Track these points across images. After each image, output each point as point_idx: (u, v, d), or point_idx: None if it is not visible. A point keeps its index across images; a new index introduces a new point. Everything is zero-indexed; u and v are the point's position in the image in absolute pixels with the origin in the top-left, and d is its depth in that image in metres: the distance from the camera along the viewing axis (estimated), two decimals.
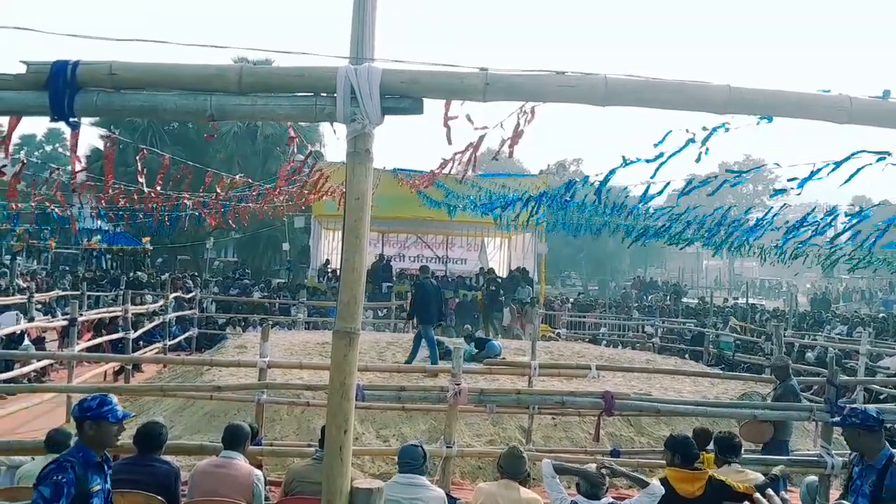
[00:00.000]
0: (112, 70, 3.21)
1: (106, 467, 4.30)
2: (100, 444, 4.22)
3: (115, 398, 4.28)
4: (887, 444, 4.97)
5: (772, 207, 10.83)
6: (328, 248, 28.32)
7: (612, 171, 7.92)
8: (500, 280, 25.39)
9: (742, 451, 6.22)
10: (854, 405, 5.42)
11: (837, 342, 20.44)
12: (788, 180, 6.68)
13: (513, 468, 5.42)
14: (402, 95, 3.24)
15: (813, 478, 7.43)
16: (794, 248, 12.88)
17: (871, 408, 5.16)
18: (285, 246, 34.84)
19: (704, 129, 5.90)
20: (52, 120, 3.26)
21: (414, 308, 13.47)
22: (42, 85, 3.19)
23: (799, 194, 6.65)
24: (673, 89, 3.26)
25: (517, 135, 4.26)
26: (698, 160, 6.07)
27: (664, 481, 5.27)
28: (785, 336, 15.46)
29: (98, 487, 4.13)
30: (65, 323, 13.80)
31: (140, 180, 9.33)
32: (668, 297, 37.49)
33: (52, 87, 3.17)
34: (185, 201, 14.86)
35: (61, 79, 3.17)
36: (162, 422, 5.75)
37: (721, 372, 15.20)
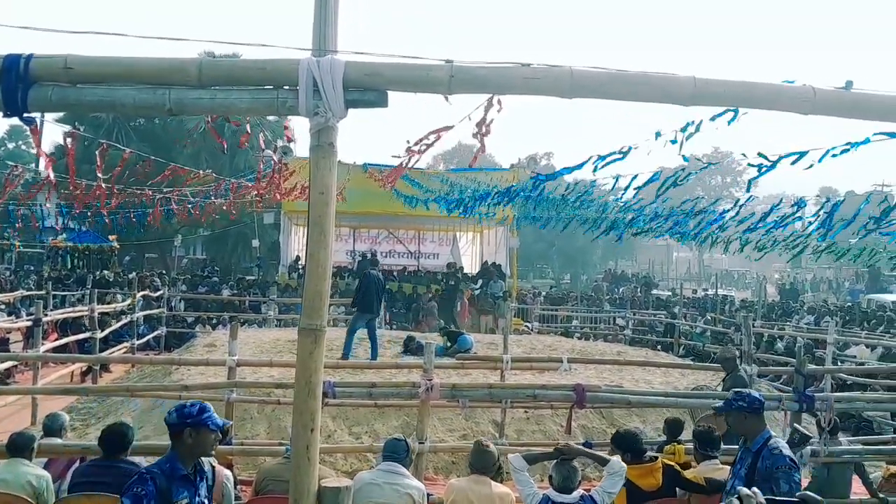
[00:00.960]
0: (67, 63, 3.13)
1: (198, 479, 4.16)
2: (196, 454, 4.10)
3: (210, 405, 4.15)
4: (767, 426, 4.97)
5: (738, 199, 10.90)
6: (299, 244, 28.11)
7: (576, 167, 7.89)
8: (459, 275, 25.21)
9: (721, 445, 6.23)
10: (740, 390, 5.34)
11: (805, 332, 20.74)
12: (755, 167, 6.67)
13: (480, 462, 5.43)
14: (366, 88, 3.19)
15: None
16: (759, 240, 12.99)
17: (754, 392, 5.12)
18: (255, 242, 34.58)
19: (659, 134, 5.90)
20: (5, 115, 3.16)
21: (358, 297, 13.65)
22: None
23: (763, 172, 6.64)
24: (638, 81, 3.25)
25: (485, 125, 4.22)
26: (683, 155, 6.09)
27: (628, 482, 5.27)
28: (754, 326, 15.64)
29: (185, 501, 4.00)
30: (29, 323, 13.56)
31: (99, 175, 9.17)
32: (639, 290, 37.84)
33: (5, 81, 3.07)
34: (148, 198, 14.64)
35: (14, 73, 3.07)
36: (129, 423, 5.67)
37: (691, 363, 15.35)
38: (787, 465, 4.62)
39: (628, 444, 5.56)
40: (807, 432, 5.90)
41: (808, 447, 7.66)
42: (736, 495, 3.91)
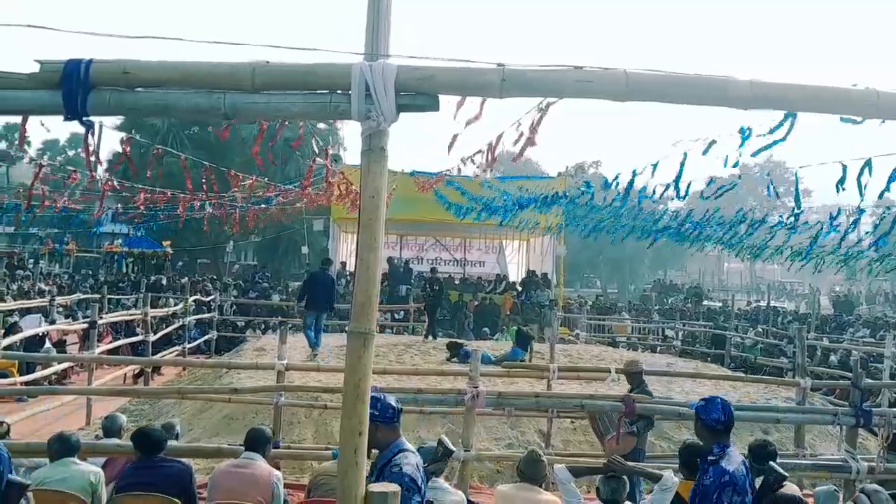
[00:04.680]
0: (125, 69, 3.18)
1: None
2: None
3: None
4: (403, 438, 4.22)
5: (793, 209, 10.65)
6: (346, 250, 28.35)
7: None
8: (442, 280, 24.16)
9: (777, 459, 5.97)
10: (375, 395, 4.18)
11: (861, 345, 20.14)
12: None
13: (532, 472, 5.37)
14: (418, 92, 3.19)
15: (826, 487, 7.30)
16: (814, 251, 12.68)
17: (391, 397, 4.30)
18: (304, 249, 34.91)
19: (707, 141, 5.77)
20: (66, 119, 3.23)
21: (304, 295, 14.24)
22: (55, 84, 3.16)
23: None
24: (695, 84, 3.18)
25: (532, 133, 4.18)
26: (733, 164, 5.96)
27: (677, 497, 5.09)
28: (807, 339, 15.28)
29: None
30: (85, 326, 13.89)
31: (149, 176, 9.34)
32: (689, 300, 37.21)
33: (66, 86, 3.14)
34: (203, 201, 14.92)
35: (74, 78, 3.14)
36: (176, 424, 5.78)
37: (743, 375, 15.03)
38: (406, 485, 3.83)
39: (688, 457, 5.32)
40: (451, 447, 5.15)
41: (863, 464, 7.43)
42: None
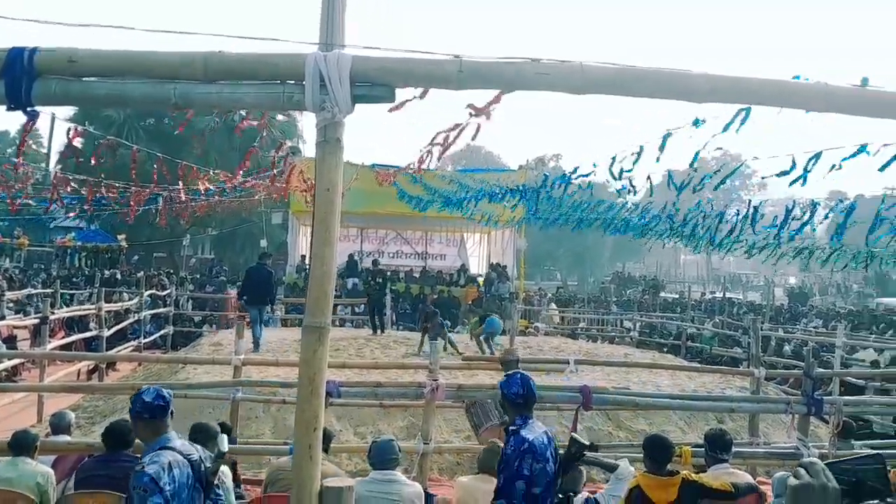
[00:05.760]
0: (72, 57, 3.09)
1: None
2: None
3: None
4: (173, 434, 4.00)
5: (750, 201, 10.81)
6: (305, 244, 28.11)
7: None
8: (386, 273, 23.89)
9: (732, 449, 5.98)
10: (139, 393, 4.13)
11: (814, 335, 20.61)
12: (778, 175, 6.48)
13: (488, 463, 5.39)
14: (374, 83, 3.15)
15: (783, 474, 7.44)
16: (775, 245, 12.89)
17: (151, 392, 4.04)
18: (263, 242, 34.65)
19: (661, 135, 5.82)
20: (9, 109, 3.13)
21: (244, 290, 14.69)
22: None
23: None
24: (651, 77, 3.19)
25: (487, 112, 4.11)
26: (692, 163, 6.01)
27: (636, 489, 5.05)
28: (762, 329, 15.55)
29: None
30: (36, 321, 13.57)
31: (94, 165, 9.14)
32: (647, 292, 37.72)
33: (9, 74, 3.04)
34: (156, 194, 14.65)
35: (18, 66, 3.04)
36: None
37: (699, 365, 15.26)
38: (144, 486, 3.60)
39: (652, 450, 5.23)
40: (225, 448, 4.53)
41: (814, 451, 7.59)
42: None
